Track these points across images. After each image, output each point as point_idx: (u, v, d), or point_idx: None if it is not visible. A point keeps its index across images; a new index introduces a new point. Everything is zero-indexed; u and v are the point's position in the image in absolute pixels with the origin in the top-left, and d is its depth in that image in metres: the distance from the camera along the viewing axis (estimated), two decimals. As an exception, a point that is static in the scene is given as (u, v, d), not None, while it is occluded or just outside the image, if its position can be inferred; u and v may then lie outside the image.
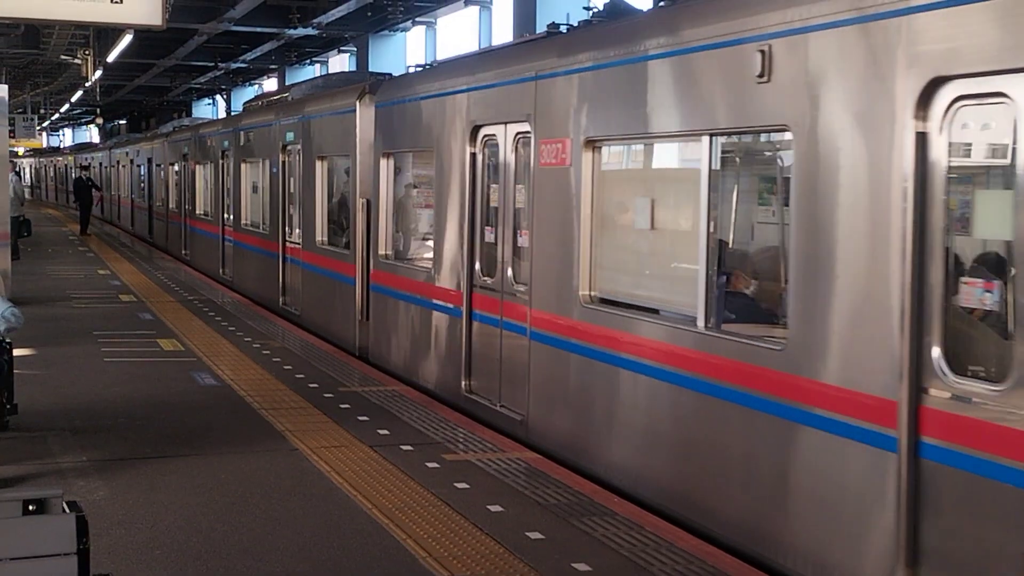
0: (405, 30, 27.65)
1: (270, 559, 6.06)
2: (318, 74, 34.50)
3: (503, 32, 22.37)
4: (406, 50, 28.14)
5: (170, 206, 27.20)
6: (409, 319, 11.35)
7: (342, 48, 31.60)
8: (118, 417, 9.25)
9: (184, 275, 21.37)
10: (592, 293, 8.02)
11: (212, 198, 21.93)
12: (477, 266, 9.74)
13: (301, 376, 11.06)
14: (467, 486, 7.37)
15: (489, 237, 9.61)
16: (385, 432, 8.82)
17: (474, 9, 24.46)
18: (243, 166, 19.13)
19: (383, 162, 12.06)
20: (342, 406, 9.72)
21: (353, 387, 10.60)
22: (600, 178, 8.06)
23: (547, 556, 6.10)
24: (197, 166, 23.64)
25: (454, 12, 25.58)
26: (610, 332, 7.67)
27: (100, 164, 42.61)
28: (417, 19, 26.36)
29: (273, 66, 36.27)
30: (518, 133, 9.05)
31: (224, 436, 8.69)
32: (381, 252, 12.09)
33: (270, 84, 41.16)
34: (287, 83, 35.74)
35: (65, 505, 3.67)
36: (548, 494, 7.21)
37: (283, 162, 16.15)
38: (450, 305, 10.19)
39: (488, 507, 6.91)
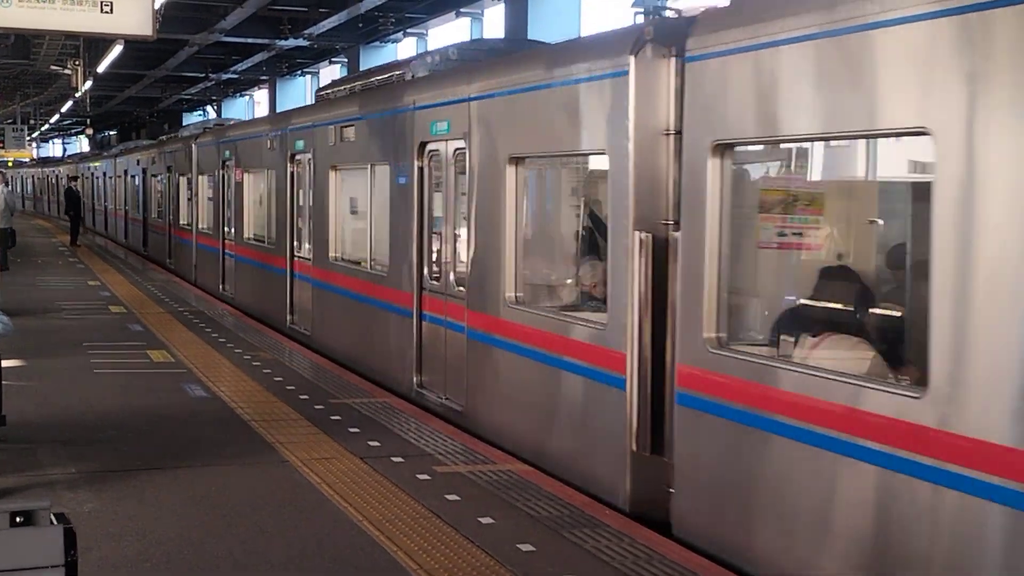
0: (396, 41, 27.69)
1: (261, 571, 6.04)
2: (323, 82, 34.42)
3: (494, 43, 22.39)
4: (397, 61, 28.16)
5: (200, 226, 22.10)
6: (838, 492, 5.54)
7: (333, 59, 31.67)
8: (108, 429, 9.22)
9: (175, 287, 21.31)
10: None
11: (273, 219, 16.54)
12: None
13: (292, 388, 11.03)
14: (458, 498, 7.35)
15: None
16: (376, 444, 8.79)
17: (465, 21, 24.52)
18: (332, 176, 13.74)
19: (712, 164, 6.50)
20: (333, 418, 9.69)
21: (344, 399, 10.58)
22: None
23: (539, 568, 6.08)
24: (246, 176, 18.30)
25: (445, 23, 25.63)
26: None
27: (104, 175, 38.74)
28: (408, 30, 26.41)
29: (264, 77, 36.34)
30: None
31: (214, 448, 8.66)
32: (707, 335, 6.54)
33: (261, 95, 41.21)
34: (276, 93, 35.89)
35: (53, 517, 3.63)
36: (539, 506, 7.19)
37: (419, 169, 10.87)
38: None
39: (479, 519, 6.89)
